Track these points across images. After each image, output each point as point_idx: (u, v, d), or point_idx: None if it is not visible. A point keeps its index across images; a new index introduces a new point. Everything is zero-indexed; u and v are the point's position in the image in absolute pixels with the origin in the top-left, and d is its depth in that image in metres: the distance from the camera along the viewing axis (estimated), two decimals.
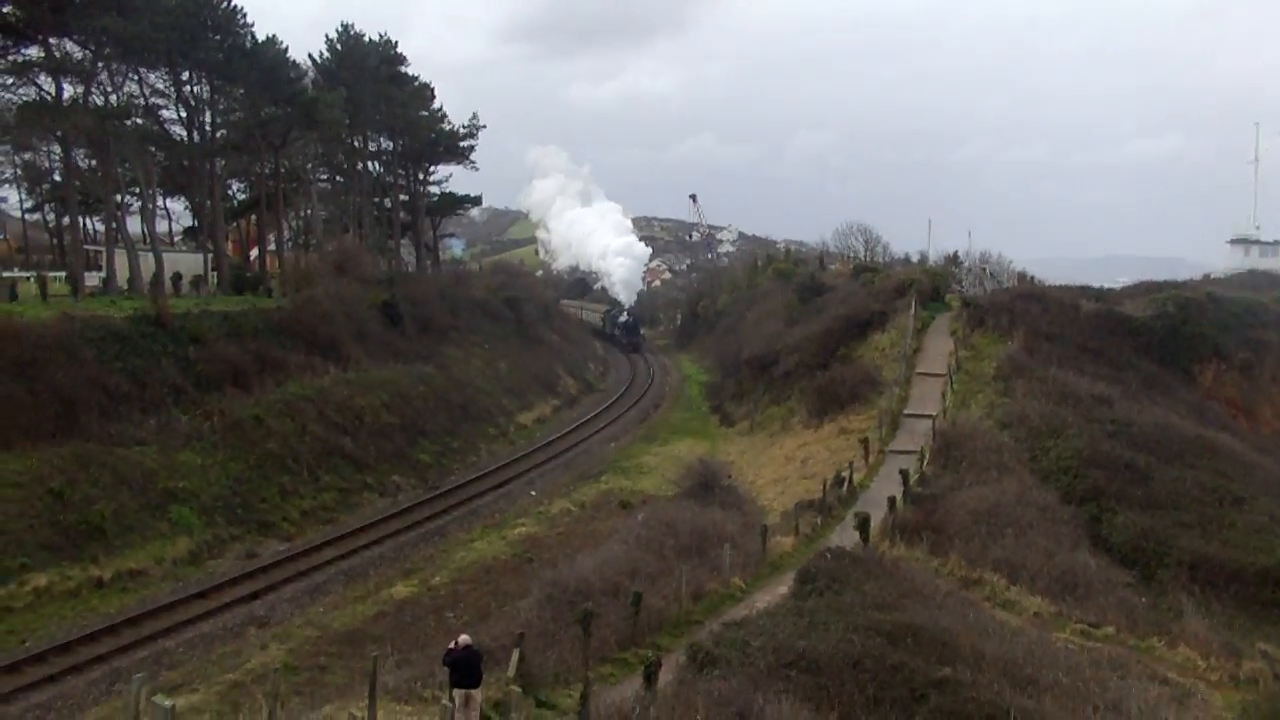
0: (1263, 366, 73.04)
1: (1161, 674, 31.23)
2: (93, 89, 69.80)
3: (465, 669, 23.86)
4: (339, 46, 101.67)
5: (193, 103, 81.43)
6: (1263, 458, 57.67)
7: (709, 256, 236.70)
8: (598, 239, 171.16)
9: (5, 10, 62.88)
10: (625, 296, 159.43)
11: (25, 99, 68.47)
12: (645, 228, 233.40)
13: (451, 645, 24.39)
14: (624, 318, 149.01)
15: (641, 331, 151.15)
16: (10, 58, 65.82)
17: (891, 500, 44.48)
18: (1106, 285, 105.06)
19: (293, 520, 53.22)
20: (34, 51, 65.91)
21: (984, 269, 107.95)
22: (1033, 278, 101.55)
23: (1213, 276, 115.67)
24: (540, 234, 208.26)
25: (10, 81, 67.47)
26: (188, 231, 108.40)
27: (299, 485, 56.01)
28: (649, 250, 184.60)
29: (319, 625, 40.26)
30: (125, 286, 72.10)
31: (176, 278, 73.23)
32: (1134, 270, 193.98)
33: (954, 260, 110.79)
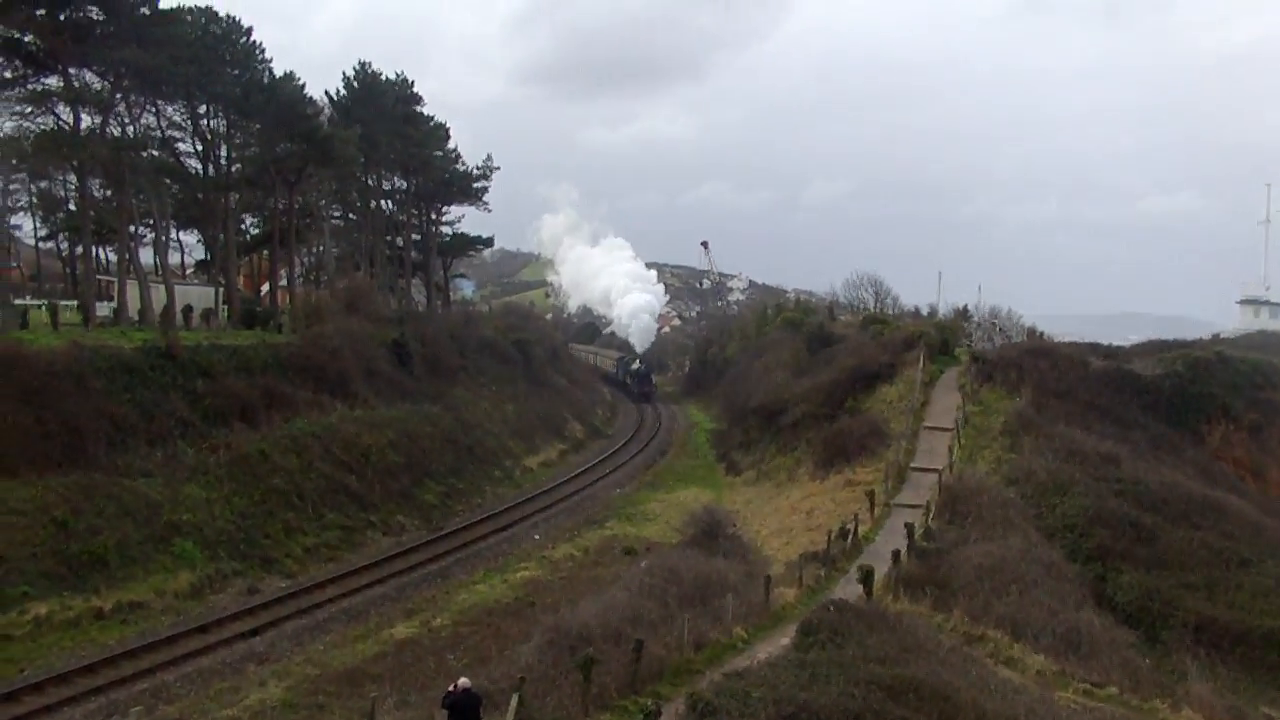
0: (1272, 428, 72.78)
1: None
2: (110, 120, 70.17)
3: (464, 712, 23.83)
4: (356, 84, 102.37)
5: (209, 136, 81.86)
6: (1270, 520, 57.33)
7: (719, 304, 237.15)
8: (612, 282, 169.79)
9: (26, 40, 63.31)
10: (639, 344, 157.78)
11: (43, 128, 68.91)
12: (656, 274, 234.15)
13: (451, 688, 24.36)
14: (636, 365, 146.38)
15: (654, 380, 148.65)
16: (30, 86, 66.21)
17: (896, 554, 44.24)
18: (1116, 342, 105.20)
19: (296, 557, 53.14)
20: (53, 81, 66.31)
21: (993, 323, 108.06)
22: (1042, 333, 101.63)
23: (1222, 336, 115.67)
24: (550, 277, 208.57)
25: (29, 110, 67.93)
26: (200, 264, 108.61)
27: (303, 522, 55.96)
28: (666, 301, 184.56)
29: (319, 663, 40.10)
30: (136, 317, 72.22)
31: (187, 310, 73.30)
32: (1144, 328, 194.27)
33: (963, 314, 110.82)
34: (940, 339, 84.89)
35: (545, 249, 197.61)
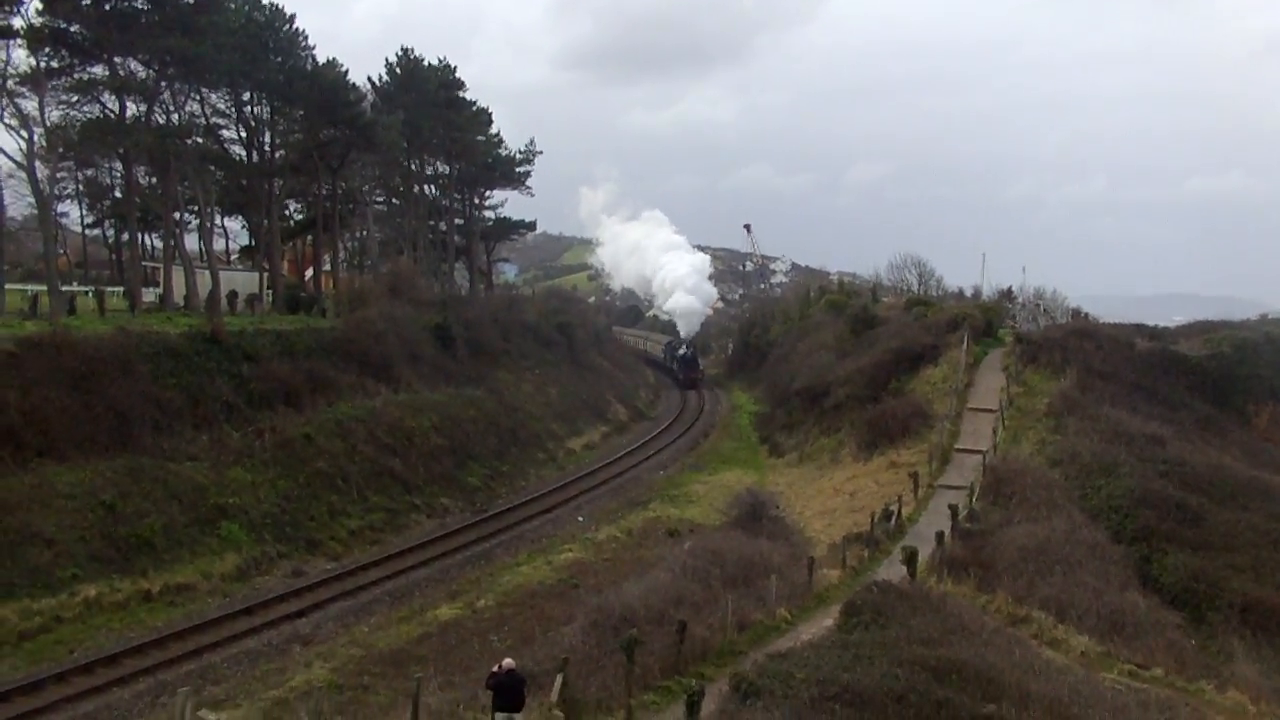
0: None
1: (1210, 718, 30.88)
2: (155, 108, 70.54)
3: (508, 693, 23.92)
4: (398, 70, 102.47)
5: (253, 123, 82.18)
6: None
7: (762, 286, 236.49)
8: (653, 261, 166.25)
9: (72, 29, 63.77)
10: (685, 327, 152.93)
11: (89, 116, 69.36)
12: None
13: (495, 669, 24.44)
14: (683, 350, 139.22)
15: (701, 366, 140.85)
16: (76, 76, 66.72)
17: (940, 535, 44.20)
18: (1162, 323, 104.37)
19: (340, 539, 53.46)
20: (99, 70, 66.84)
21: (1038, 305, 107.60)
22: (1087, 314, 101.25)
23: (1270, 317, 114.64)
24: (590, 259, 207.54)
25: (75, 99, 68.34)
26: (244, 250, 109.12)
27: (347, 505, 56.26)
28: (710, 276, 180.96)
29: (363, 645, 40.31)
30: (181, 303, 72.73)
31: (232, 296, 73.81)
32: (1190, 309, 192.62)
33: (1008, 295, 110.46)
34: (984, 321, 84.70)
35: (584, 226, 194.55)
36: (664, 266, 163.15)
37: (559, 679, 26.37)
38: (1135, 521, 49.24)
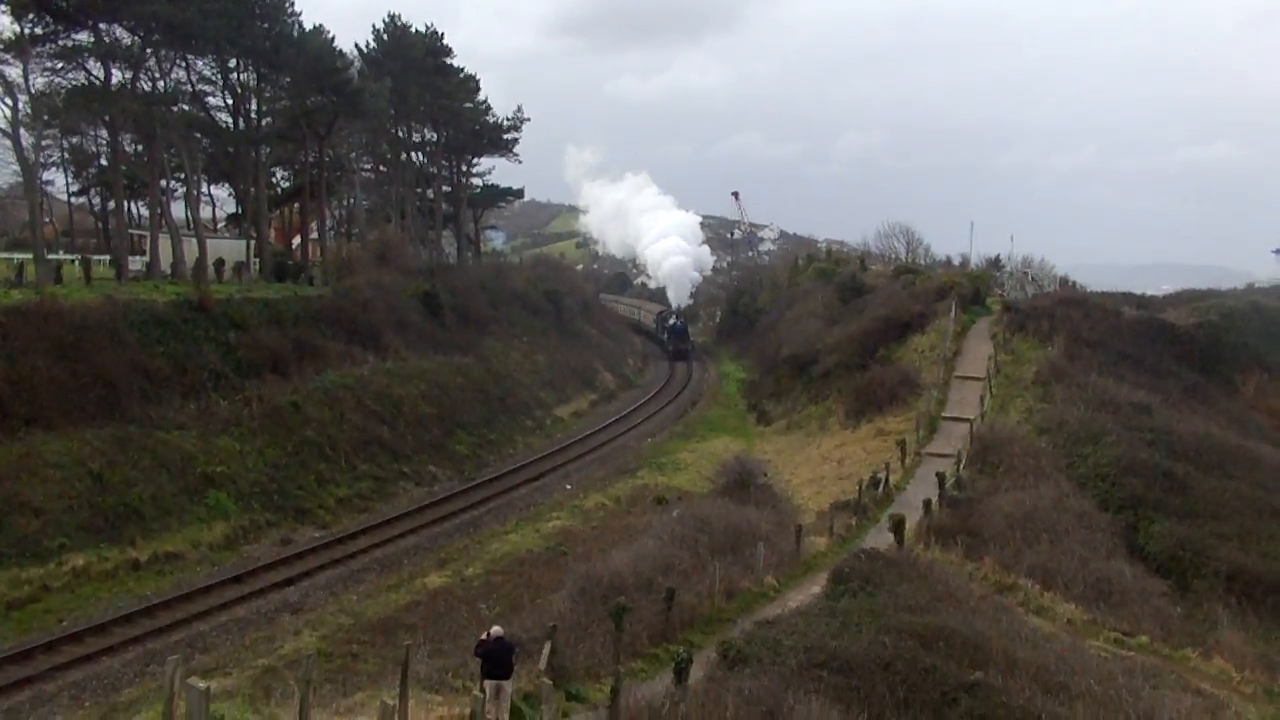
0: None
1: (1195, 685, 31.06)
2: (141, 75, 70.14)
3: (497, 660, 23.93)
4: (385, 37, 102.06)
5: (239, 90, 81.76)
6: None
7: (750, 254, 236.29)
8: (641, 226, 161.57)
9: None
10: (675, 295, 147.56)
11: (74, 83, 68.95)
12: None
13: (484, 636, 24.45)
14: (672, 320, 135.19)
15: (691, 337, 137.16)
16: (60, 42, 66.27)
17: (927, 503, 44.36)
18: (1149, 292, 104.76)
19: (329, 508, 53.48)
20: (84, 36, 66.39)
21: (1026, 273, 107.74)
22: (1075, 283, 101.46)
23: (1256, 286, 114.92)
24: (577, 225, 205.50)
25: (60, 66, 67.90)
26: (231, 218, 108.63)
27: (336, 473, 56.30)
28: (703, 242, 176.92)
29: (352, 613, 40.38)
30: (168, 271, 72.41)
31: (219, 264, 73.50)
32: (1178, 278, 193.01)
33: (996, 264, 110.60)
34: (972, 289, 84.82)
35: (571, 191, 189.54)
36: (648, 230, 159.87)
37: (547, 646, 26.44)
38: (1122, 490, 49.42)
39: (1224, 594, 42.90)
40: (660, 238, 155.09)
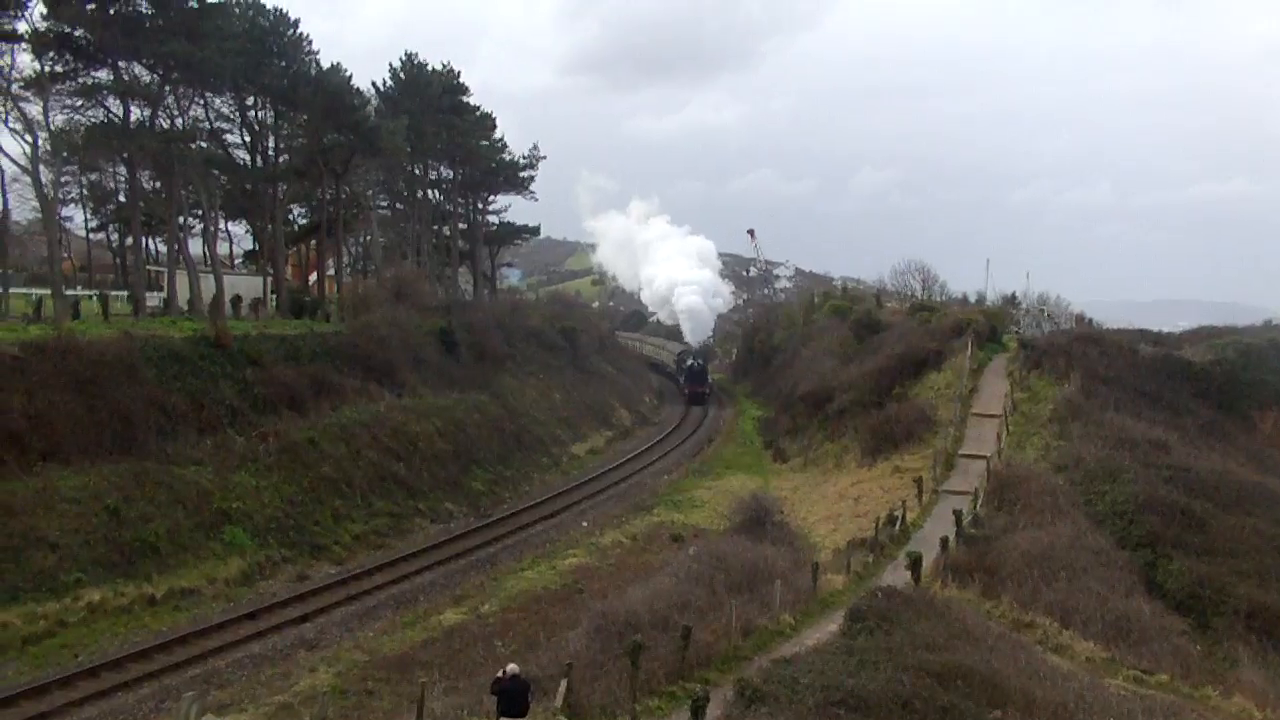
0: None
1: None
2: (159, 112, 70.77)
3: (513, 698, 23.90)
4: (402, 75, 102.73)
5: (257, 128, 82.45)
6: None
7: (765, 292, 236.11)
8: (656, 265, 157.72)
9: (77, 34, 63.91)
10: (692, 331, 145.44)
11: (93, 120, 69.53)
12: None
13: (500, 674, 24.42)
14: (690, 361, 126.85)
15: (710, 379, 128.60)
16: (80, 80, 66.88)
17: (944, 541, 44.20)
18: (1166, 329, 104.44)
19: (344, 544, 53.46)
20: (103, 74, 67.06)
21: (1042, 310, 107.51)
22: (1091, 320, 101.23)
23: (1274, 323, 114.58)
24: (594, 257, 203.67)
25: (80, 103, 68.54)
26: (248, 254, 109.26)
27: (352, 509, 56.30)
28: (729, 290, 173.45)
29: (368, 650, 40.31)
30: (185, 307, 72.77)
31: (236, 300, 73.84)
32: (1194, 314, 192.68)
33: (1012, 301, 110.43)
34: (988, 326, 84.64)
35: (582, 217, 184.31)
36: (660, 262, 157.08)
37: (563, 684, 26.34)
38: (1140, 527, 49.16)
39: (1244, 632, 42.60)
40: (673, 271, 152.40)
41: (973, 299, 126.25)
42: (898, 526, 50.32)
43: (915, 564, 39.85)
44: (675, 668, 29.95)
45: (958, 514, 47.70)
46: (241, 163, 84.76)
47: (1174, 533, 48.75)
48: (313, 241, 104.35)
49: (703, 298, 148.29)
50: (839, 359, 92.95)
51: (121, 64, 66.55)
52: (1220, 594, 44.80)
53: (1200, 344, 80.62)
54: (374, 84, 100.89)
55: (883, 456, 68.47)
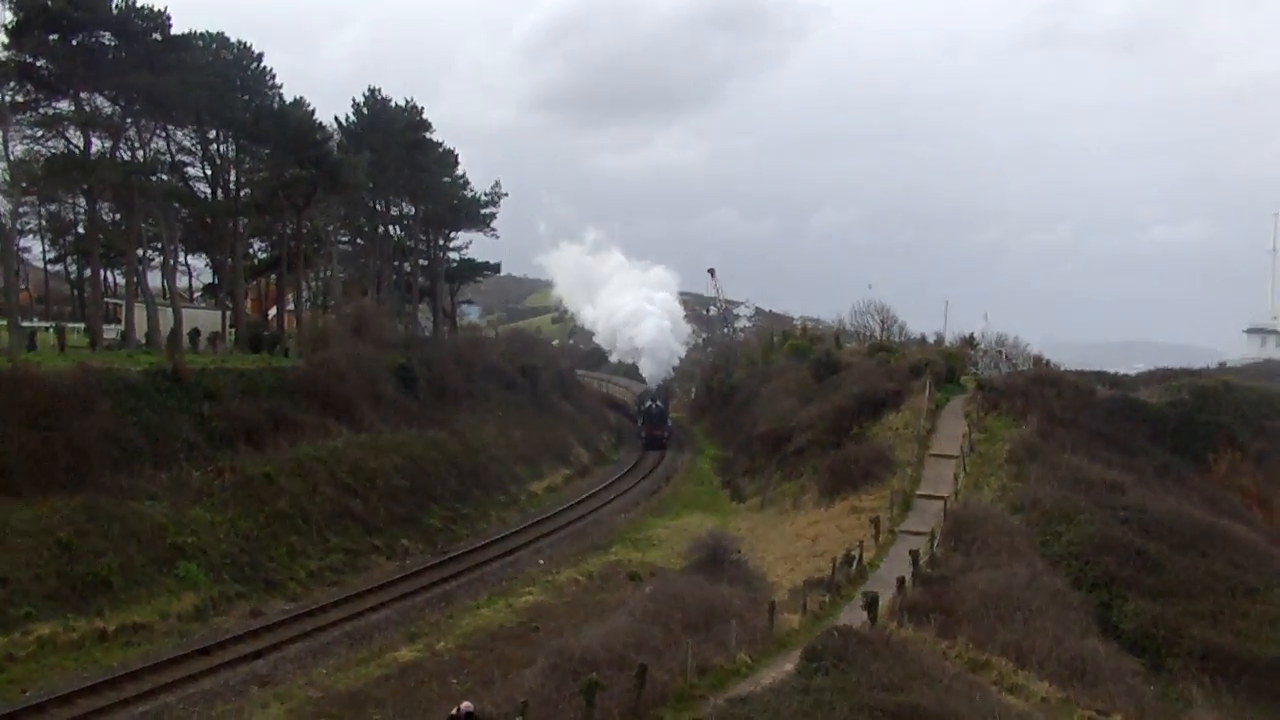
0: (1278, 456, 72.64)
1: None
2: (120, 144, 70.69)
3: None
4: (365, 110, 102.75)
5: (218, 161, 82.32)
6: (1277, 549, 57.21)
7: (725, 331, 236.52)
8: (615, 302, 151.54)
9: (38, 64, 63.83)
10: (651, 376, 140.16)
11: (53, 151, 69.28)
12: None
13: (454, 712, 24.42)
14: (648, 403, 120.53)
15: (669, 422, 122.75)
16: (41, 110, 66.80)
17: (900, 580, 44.28)
18: (1122, 371, 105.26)
19: (300, 580, 53.12)
20: (65, 105, 66.95)
21: (1000, 351, 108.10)
22: (1048, 361, 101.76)
23: (1229, 365, 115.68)
24: (554, 293, 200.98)
25: (40, 134, 68.39)
26: (207, 288, 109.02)
27: (308, 545, 55.94)
28: (688, 331, 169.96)
29: (322, 686, 40.10)
30: (143, 340, 72.50)
31: (194, 334, 73.56)
32: (1152, 357, 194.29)
33: (970, 342, 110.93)
34: (947, 367, 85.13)
35: (543, 249, 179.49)
36: (615, 297, 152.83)
37: None
38: (1095, 568, 49.52)
39: (1198, 673, 42.90)
40: (630, 308, 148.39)
41: (932, 339, 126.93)
42: (854, 566, 50.37)
43: (872, 604, 39.87)
44: (631, 707, 29.91)
45: (914, 554, 47.80)
46: (202, 196, 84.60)
47: (1129, 573, 49.10)
48: (273, 276, 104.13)
49: (661, 335, 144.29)
50: (798, 399, 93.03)
51: (83, 95, 66.53)
52: (1175, 635, 45.14)
53: (1156, 386, 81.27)
54: (337, 119, 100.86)
55: (840, 496, 68.48)
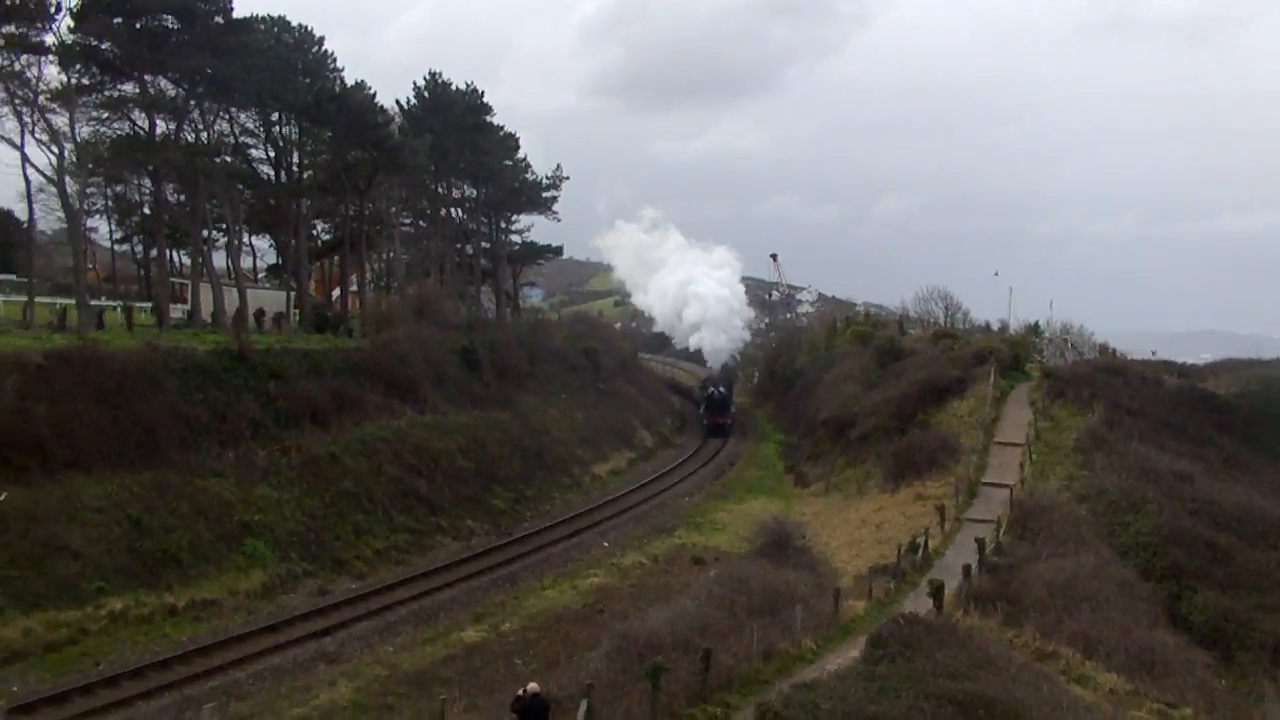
0: None
1: None
2: (185, 126, 71.30)
3: (532, 717, 23.81)
4: (426, 94, 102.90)
5: (281, 143, 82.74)
6: None
7: (788, 316, 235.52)
8: (676, 282, 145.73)
9: (104, 47, 64.37)
10: (714, 360, 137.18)
11: (119, 133, 69.95)
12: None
13: (520, 693, 24.37)
14: (710, 390, 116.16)
15: (733, 408, 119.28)
16: (107, 93, 67.40)
17: (966, 569, 43.92)
18: (1190, 360, 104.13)
19: (365, 559, 53.46)
20: (129, 88, 67.55)
21: (1065, 340, 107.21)
22: (1114, 350, 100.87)
23: None
24: (615, 276, 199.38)
25: (106, 116, 69.01)
26: (271, 269, 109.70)
27: (373, 524, 56.27)
28: (752, 318, 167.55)
29: (388, 665, 40.25)
30: (209, 320, 73.04)
31: (259, 314, 74.04)
32: (1218, 346, 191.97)
33: (1035, 330, 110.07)
34: (1011, 355, 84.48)
35: (601, 231, 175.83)
36: (676, 280, 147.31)
37: (584, 705, 26.20)
38: (1164, 559, 48.86)
39: (1270, 667, 42.28)
40: (688, 281, 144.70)
41: (995, 327, 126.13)
42: (920, 554, 50.04)
43: (937, 591, 39.62)
44: (696, 690, 29.80)
45: (980, 542, 47.46)
46: (266, 177, 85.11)
47: (1198, 565, 48.44)
48: (336, 257, 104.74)
49: (721, 310, 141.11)
50: (861, 385, 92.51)
51: (147, 78, 67.08)
52: (1245, 628, 44.50)
53: (1225, 376, 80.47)
54: (398, 102, 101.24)
55: (905, 483, 68.11)
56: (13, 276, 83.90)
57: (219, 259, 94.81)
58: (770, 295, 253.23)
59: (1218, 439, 69.28)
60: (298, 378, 61.96)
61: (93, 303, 70.11)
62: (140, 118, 69.25)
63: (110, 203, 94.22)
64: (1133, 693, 34.92)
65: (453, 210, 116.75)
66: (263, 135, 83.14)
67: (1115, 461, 59.55)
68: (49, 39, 60.41)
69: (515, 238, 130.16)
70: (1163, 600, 46.06)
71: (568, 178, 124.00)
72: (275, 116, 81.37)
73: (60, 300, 73.23)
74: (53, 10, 59.22)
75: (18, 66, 59.17)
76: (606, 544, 62.65)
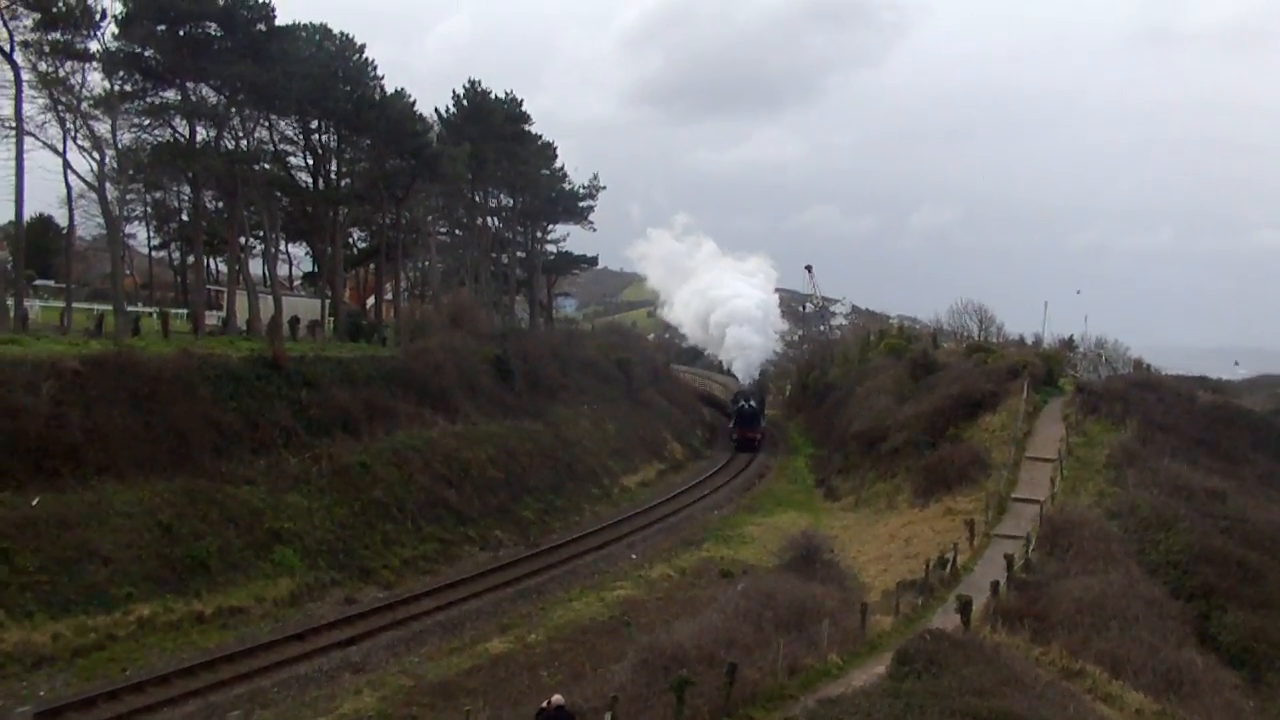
0: None
1: None
2: (224, 133, 71.74)
3: None
4: (465, 102, 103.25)
5: (320, 151, 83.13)
6: None
7: (821, 328, 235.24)
8: (708, 293, 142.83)
9: (147, 54, 64.96)
10: (744, 374, 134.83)
11: (160, 140, 70.55)
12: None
13: (544, 704, 24.43)
14: (741, 403, 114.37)
15: (763, 423, 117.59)
16: (149, 99, 67.97)
17: (995, 585, 43.78)
18: (1225, 376, 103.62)
19: (393, 568, 53.50)
20: (171, 95, 68.15)
21: (1099, 354, 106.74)
22: (1149, 365, 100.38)
23: None
24: (649, 285, 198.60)
25: (147, 122, 69.65)
26: (307, 276, 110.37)
27: (402, 534, 56.33)
28: (786, 329, 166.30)
29: (413, 675, 40.31)
30: (244, 327, 73.40)
31: (294, 321, 74.35)
32: (1253, 362, 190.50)
33: (1069, 344, 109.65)
34: (1045, 369, 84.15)
35: (636, 237, 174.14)
36: (709, 291, 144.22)
37: (608, 717, 26.27)
38: (1194, 578, 48.51)
39: None
40: (723, 302, 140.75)
41: (1030, 341, 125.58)
42: (948, 569, 49.92)
43: (965, 607, 39.53)
44: (720, 704, 29.83)
45: (1009, 558, 47.29)
46: (304, 185, 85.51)
47: (1229, 584, 48.05)
48: (372, 265, 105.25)
49: (751, 312, 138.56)
50: (894, 398, 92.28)
51: (189, 85, 67.61)
52: (1276, 648, 44.12)
53: (1260, 393, 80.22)
54: (437, 110, 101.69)
55: (935, 498, 67.92)
56: (51, 282, 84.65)
57: (255, 266, 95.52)
58: (804, 307, 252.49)
59: (1252, 456, 68.87)
60: (330, 386, 62.09)
61: (129, 309, 70.76)
62: (181, 124, 69.91)
63: (149, 209, 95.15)
64: (1160, 713, 34.80)
65: (489, 219, 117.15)
66: (302, 142, 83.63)
67: (1147, 478, 59.20)
68: (93, 46, 61.22)
69: (550, 247, 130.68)
70: (1192, 619, 45.70)
71: (604, 187, 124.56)
72: (315, 124, 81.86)
73: (97, 306, 73.95)
74: (98, 17, 59.94)
75: (62, 73, 59.83)
76: (634, 556, 62.61)
